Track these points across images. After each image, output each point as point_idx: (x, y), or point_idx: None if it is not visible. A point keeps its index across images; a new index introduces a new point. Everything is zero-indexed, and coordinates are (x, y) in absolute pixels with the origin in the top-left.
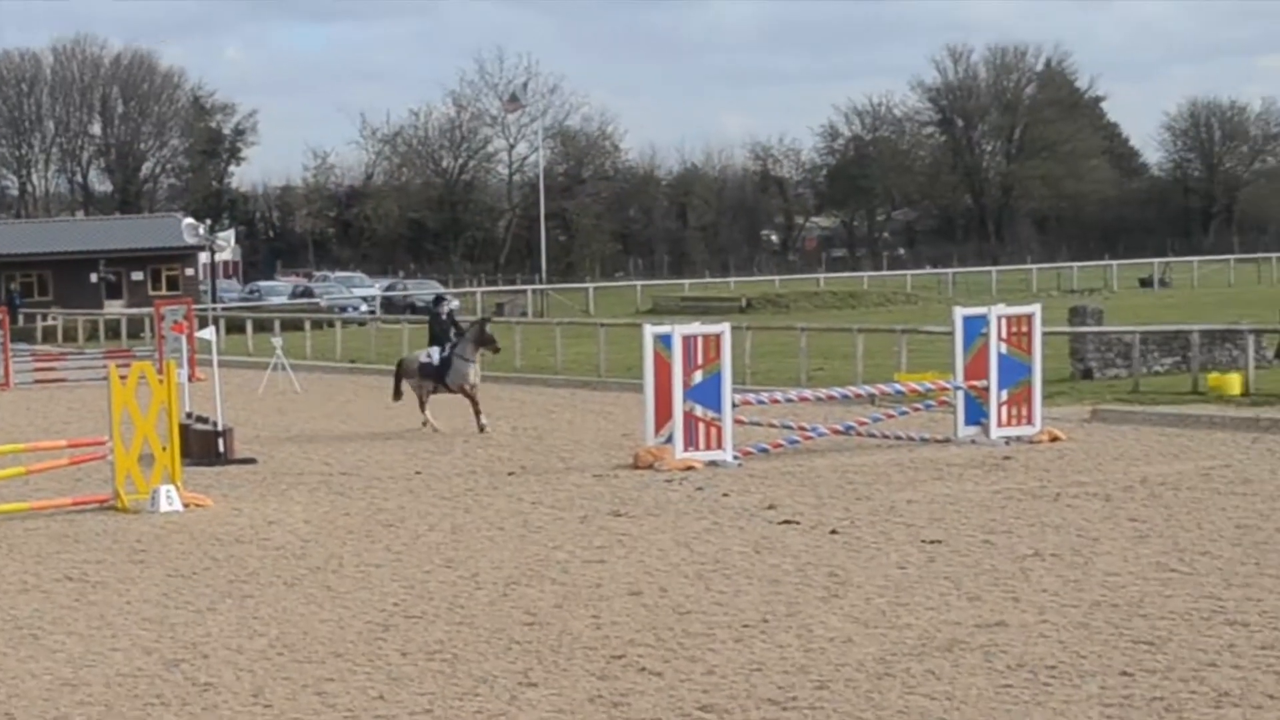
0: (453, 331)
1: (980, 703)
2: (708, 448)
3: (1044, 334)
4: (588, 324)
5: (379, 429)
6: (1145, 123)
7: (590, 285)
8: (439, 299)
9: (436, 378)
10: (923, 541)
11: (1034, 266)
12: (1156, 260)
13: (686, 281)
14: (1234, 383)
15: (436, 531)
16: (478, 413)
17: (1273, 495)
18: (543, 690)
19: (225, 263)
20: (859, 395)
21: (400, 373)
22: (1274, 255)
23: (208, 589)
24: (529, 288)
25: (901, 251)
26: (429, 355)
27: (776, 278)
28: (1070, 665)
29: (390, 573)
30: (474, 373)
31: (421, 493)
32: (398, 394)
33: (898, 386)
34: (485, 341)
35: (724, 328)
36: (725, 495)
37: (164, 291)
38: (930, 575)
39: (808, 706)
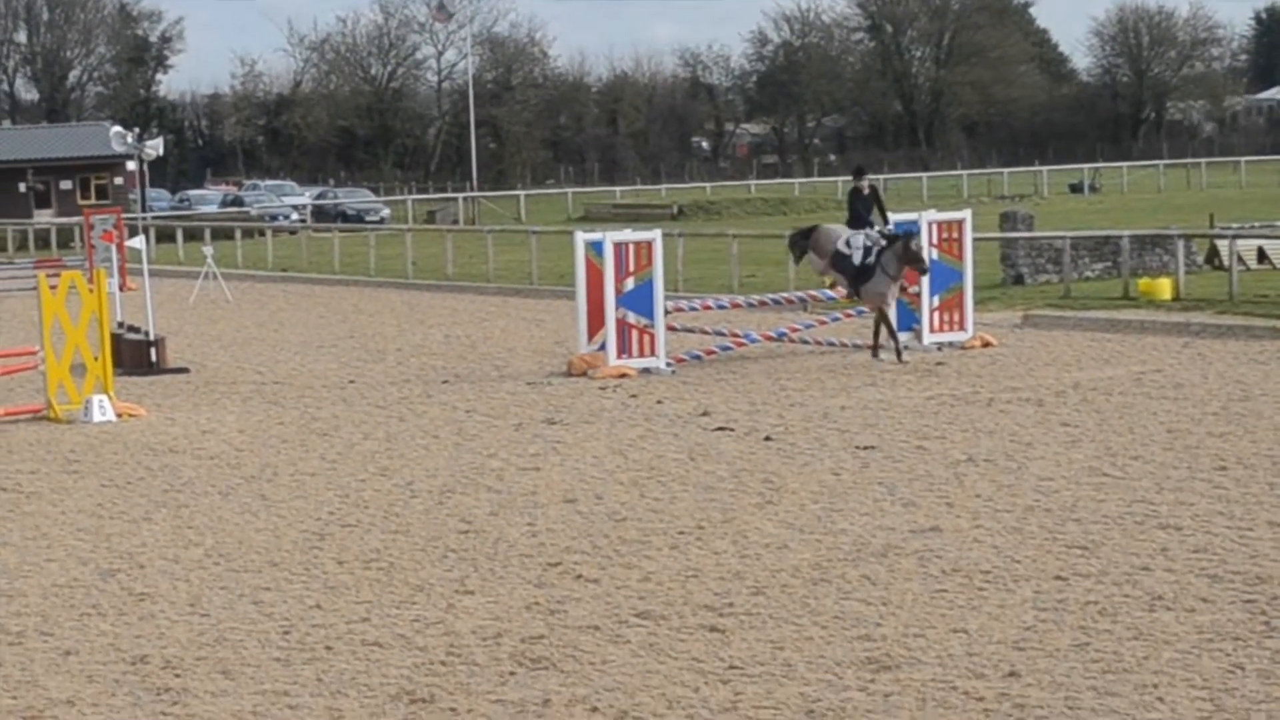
0: (874, 213)
1: (915, 607)
2: (641, 355)
3: (975, 240)
4: (519, 231)
5: (311, 338)
6: (1074, 28)
7: (521, 193)
8: (860, 170)
9: (850, 278)
10: (856, 447)
11: (964, 172)
12: (1086, 166)
13: (618, 188)
14: (1164, 288)
15: (371, 440)
16: (892, 334)
17: (1203, 400)
18: (479, 598)
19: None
20: (791, 301)
21: (807, 240)
22: (1203, 160)
23: (142, 499)
24: (460, 195)
25: (832, 158)
26: (848, 245)
27: (708, 184)
28: (1004, 570)
29: (325, 481)
30: (893, 294)
31: (355, 401)
32: (799, 257)
33: (829, 293)
34: (911, 259)
35: (656, 234)
36: (659, 402)
37: (93, 200)
38: (864, 481)
39: (744, 612)
